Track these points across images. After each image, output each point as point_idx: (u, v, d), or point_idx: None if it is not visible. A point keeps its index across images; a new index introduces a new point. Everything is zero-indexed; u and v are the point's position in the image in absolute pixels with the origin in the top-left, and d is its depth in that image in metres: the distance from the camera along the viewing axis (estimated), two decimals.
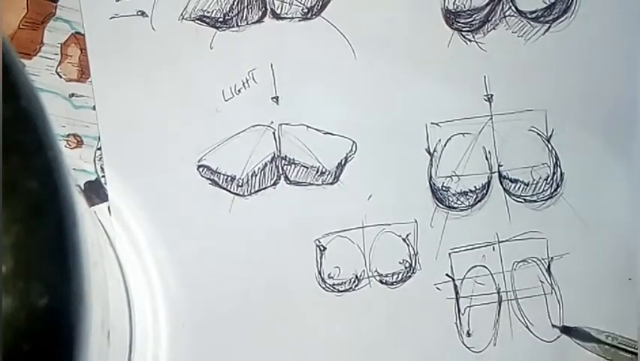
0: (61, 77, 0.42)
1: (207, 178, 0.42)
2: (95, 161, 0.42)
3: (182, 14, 0.43)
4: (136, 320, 0.40)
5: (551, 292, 0.43)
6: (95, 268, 0.24)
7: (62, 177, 0.22)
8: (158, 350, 0.41)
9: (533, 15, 0.44)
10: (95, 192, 0.41)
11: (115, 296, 0.36)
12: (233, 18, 0.43)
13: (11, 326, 0.20)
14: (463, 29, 0.44)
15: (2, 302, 0.20)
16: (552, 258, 0.44)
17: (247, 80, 0.43)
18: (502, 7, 0.44)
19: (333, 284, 0.43)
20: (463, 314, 0.43)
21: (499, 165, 0.44)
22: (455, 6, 0.44)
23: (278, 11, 0.43)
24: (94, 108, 0.42)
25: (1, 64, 0.21)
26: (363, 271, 0.43)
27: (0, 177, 0.20)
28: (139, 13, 0.43)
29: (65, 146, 0.41)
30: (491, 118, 0.44)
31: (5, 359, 0.20)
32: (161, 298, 0.41)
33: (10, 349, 0.20)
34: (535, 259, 0.44)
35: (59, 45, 0.42)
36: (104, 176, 0.42)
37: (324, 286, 0.43)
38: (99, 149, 0.42)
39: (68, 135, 0.42)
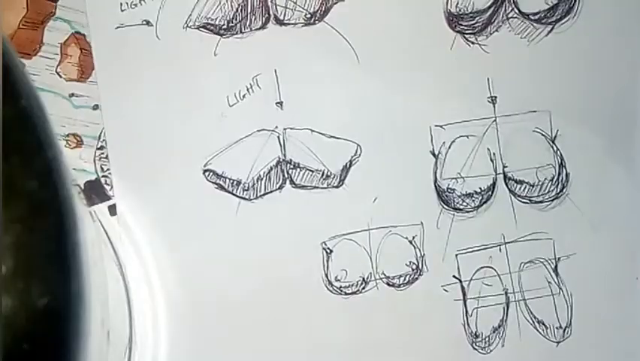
0: (61, 76, 0.42)
1: (213, 182, 0.43)
2: (94, 161, 0.42)
3: (186, 22, 0.43)
4: (136, 320, 0.40)
5: (559, 293, 0.43)
6: (95, 268, 0.25)
7: (62, 177, 0.22)
8: (158, 350, 0.41)
9: (536, 17, 0.44)
10: (95, 192, 0.42)
11: (115, 296, 0.36)
12: (237, 25, 0.43)
13: (11, 326, 0.20)
14: (466, 32, 0.44)
15: (2, 302, 0.20)
16: (559, 258, 0.43)
17: (251, 86, 0.43)
18: (505, 9, 0.44)
19: (340, 287, 0.43)
20: (470, 316, 0.43)
21: (504, 167, 0.44)
22: (458, 9, 0.44)
23: (281, 17, 0.44)
24: (94, 108, 0.42)
25: (1, 64, 0.21)
26: (370, 273, 0.43)
27: (0, 177, 0.21)
28: (144, 22, 0.43)
29: (65, 146, 0.42)
30: (495, 120, 0.44)
31: (5, 359, 0.20)
32: (162, 298, 0.41)
33: (10, 349, 0.20)
34: (542, 260, 0.43)
35: (59, 45, 0.43)
36: (104, 176, 0.42)
37: (331, 288, 0.43)
38: (99, 148, 0.42)
39: (68, 135, 0.42)
